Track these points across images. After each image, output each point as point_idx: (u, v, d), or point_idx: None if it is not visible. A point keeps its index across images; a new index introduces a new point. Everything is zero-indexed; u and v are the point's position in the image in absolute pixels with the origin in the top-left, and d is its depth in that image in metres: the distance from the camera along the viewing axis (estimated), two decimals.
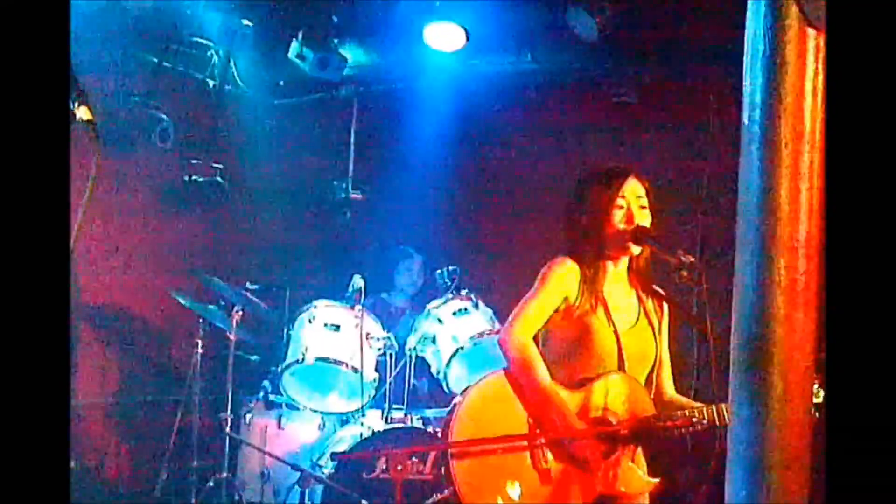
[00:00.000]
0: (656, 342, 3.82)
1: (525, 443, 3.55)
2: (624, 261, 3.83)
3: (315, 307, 6.41)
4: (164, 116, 6.92)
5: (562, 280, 3.69)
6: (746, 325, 2.35)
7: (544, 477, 3.56)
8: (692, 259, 3.47)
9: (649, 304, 3.87)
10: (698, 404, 3.67)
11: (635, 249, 3.76)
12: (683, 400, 3.79)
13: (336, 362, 6.25)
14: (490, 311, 6.37)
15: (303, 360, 6.25)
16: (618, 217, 3.73)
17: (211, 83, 7.44)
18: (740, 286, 2.35)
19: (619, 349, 3.70)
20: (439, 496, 5.43)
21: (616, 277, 3.83)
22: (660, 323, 3.88)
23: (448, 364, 6.24)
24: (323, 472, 5.93)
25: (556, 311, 3.71)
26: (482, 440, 3.51)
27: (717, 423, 3.49)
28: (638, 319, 3.82)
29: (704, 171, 6.56)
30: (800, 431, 2.31)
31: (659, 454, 3.82)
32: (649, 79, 7.03)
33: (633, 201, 3.74)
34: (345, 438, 6.18)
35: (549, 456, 3.58)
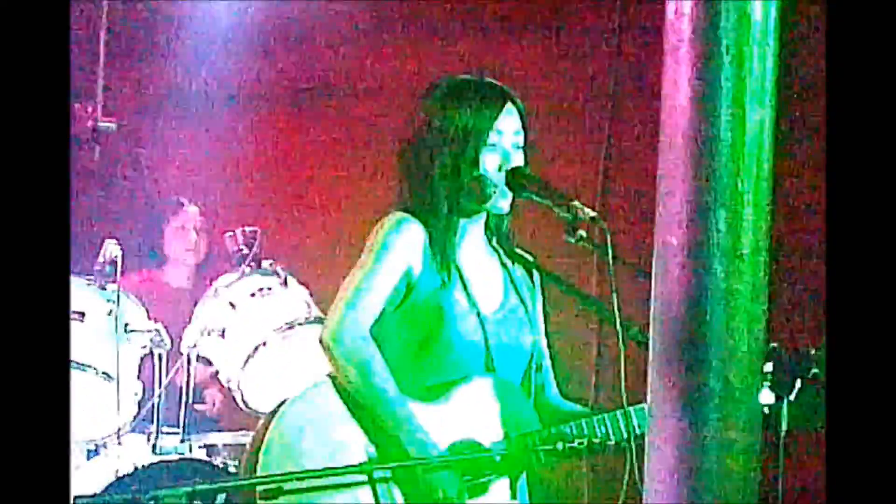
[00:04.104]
0: (532, 327, 3.89)
1: (364, 476, 3.59)
2: (483, 215, 3.84)
3: None
4: None
5: (401, 246, 3.71)
6: (672, 303, 2.41)
7: None
8: (593, 214, 3.51)
9: (517, 274, 3.93)
10: (597, 413, 3.75)
11: (504, 205, 3.77)
12: (576, 409, 3.87)
13: (79, 366, 6.17)
14: (304, 292, 6.38)
15: None
16: (489, 160, 3.72)
17: None
18: (664, 246, 2.41)
19: (486, 339, 3.76)
20: None
21: (474, 239, 3.86)
22: (534, 300, 3.95)
23: (244, 367, 6.24)
24: None
25: (396, 290, 3.74)
26: (301, 474, 3.52)
27: (628, 438, 3.57)
28: (506, 297, 3.88)
29: (606, 85, 6.60)
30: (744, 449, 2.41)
31: (548, 486, 3.90)
32: None
33: (508, 137, 3.76)
34: (93, 477, 6.12)
35: (398, 498, 3.63)
